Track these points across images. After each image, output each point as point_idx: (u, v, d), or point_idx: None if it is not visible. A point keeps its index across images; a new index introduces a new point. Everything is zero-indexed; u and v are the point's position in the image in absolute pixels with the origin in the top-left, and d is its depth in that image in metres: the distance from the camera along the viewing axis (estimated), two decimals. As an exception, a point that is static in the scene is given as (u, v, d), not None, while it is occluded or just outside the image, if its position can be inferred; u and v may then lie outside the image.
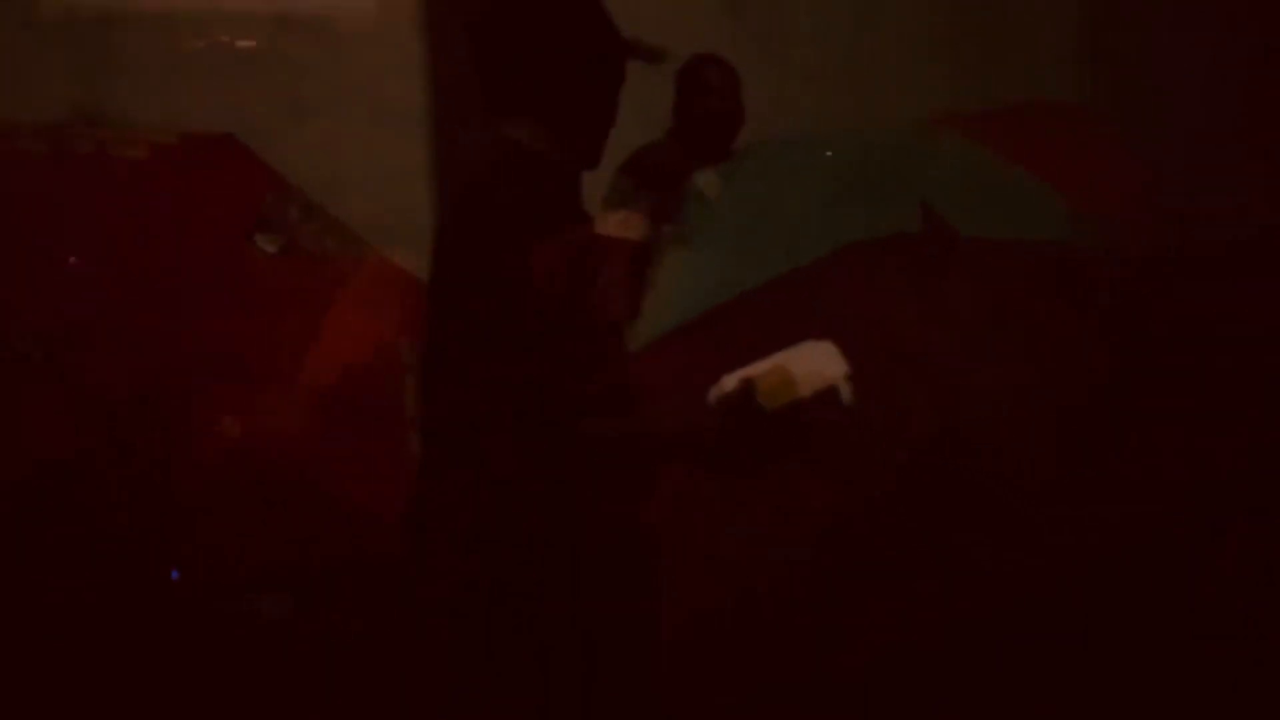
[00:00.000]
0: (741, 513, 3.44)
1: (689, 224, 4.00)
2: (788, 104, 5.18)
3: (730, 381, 2.74)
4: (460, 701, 2.99)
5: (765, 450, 2.75)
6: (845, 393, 2.73)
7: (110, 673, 3.68)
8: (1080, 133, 5.05)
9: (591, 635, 2.94)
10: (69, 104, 4.42)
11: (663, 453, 2.91)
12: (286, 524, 3.80)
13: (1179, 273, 3.78)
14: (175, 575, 3.78)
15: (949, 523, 3.32)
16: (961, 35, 5.43)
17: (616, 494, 2.91)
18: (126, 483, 3.74)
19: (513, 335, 2.79)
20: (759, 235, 4.16)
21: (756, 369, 2.74)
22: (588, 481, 2.85)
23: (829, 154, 4.61)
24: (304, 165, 4.46)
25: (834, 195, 4.29)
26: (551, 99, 2.80)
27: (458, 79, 4.76)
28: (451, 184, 4.53)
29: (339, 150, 4.78)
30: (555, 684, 2.93)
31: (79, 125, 4.29)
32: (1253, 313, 3.55)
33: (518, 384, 2.81)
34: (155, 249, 3.93)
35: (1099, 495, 3.32)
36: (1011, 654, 3.23)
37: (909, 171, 4.32)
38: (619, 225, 3.90)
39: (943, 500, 3.34)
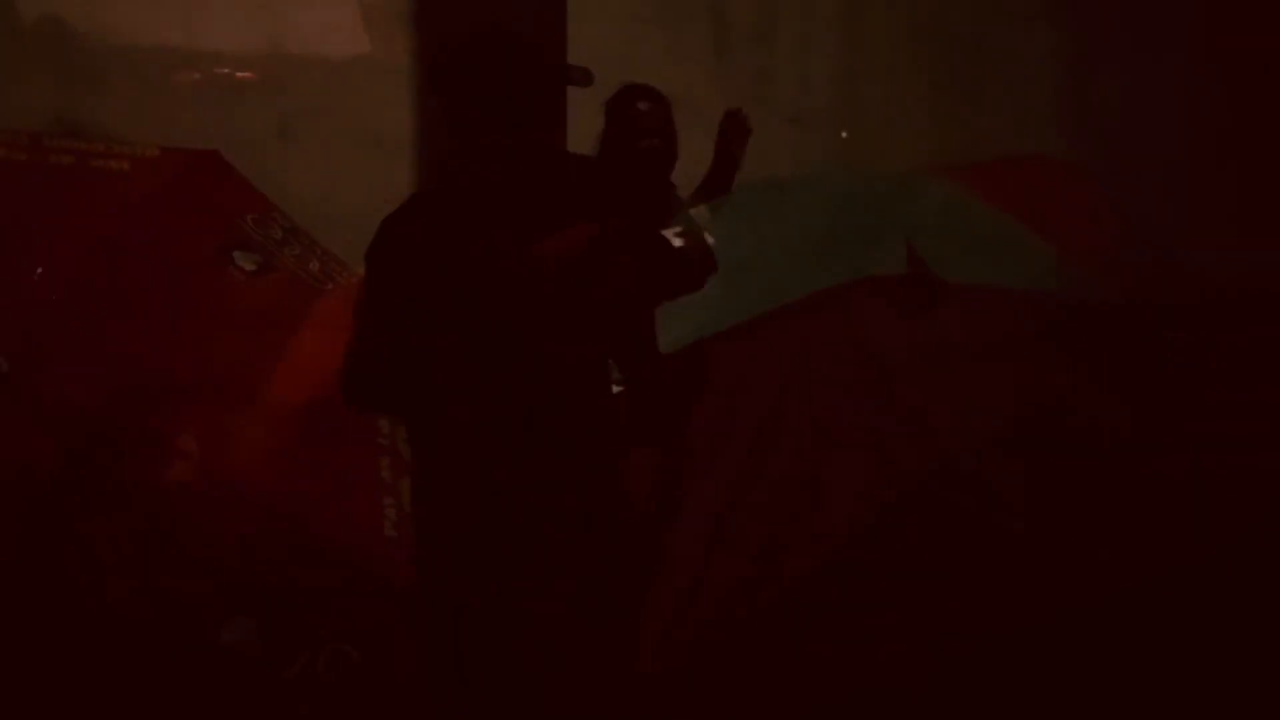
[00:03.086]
0: (722, 548, 3.23)
1: None
2: (773, 146, 5.00)
3: None
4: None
5: None
6: None
7: (66, 696, 3.36)
8: (1061, 185, 4.96)
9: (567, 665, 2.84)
10: (51, 115, 4.18)
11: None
12: (251, 548, 3.49)
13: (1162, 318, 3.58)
14: None
15: (939, 556, 3.16)
16: (945, 81, 5.32)
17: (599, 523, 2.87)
18: (86, 501, 3.43)
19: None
20: (744, 274, 4.07)
21: None
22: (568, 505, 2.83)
23: (815, 196, 4.51)
24: (290, 189, 4.22)
25: (820, 237, 4.25)
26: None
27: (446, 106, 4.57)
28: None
29: (326, 175, 4.57)
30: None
31: (60, 136, 4.00)
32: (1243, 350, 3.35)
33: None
34: (129, 262, 3.68)
35: (1090, 518, 3.18)
36: (1009, 677, 3.11)
37: (895, 215, 4.26)
38: None
39: (932, 534, 3.18)
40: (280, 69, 4.48)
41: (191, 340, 3.66)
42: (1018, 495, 3.15)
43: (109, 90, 4.22)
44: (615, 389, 3.40)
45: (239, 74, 4.41)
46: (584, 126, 4.14)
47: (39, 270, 3.60)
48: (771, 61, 5.22)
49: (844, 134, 4.91)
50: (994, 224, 4.41)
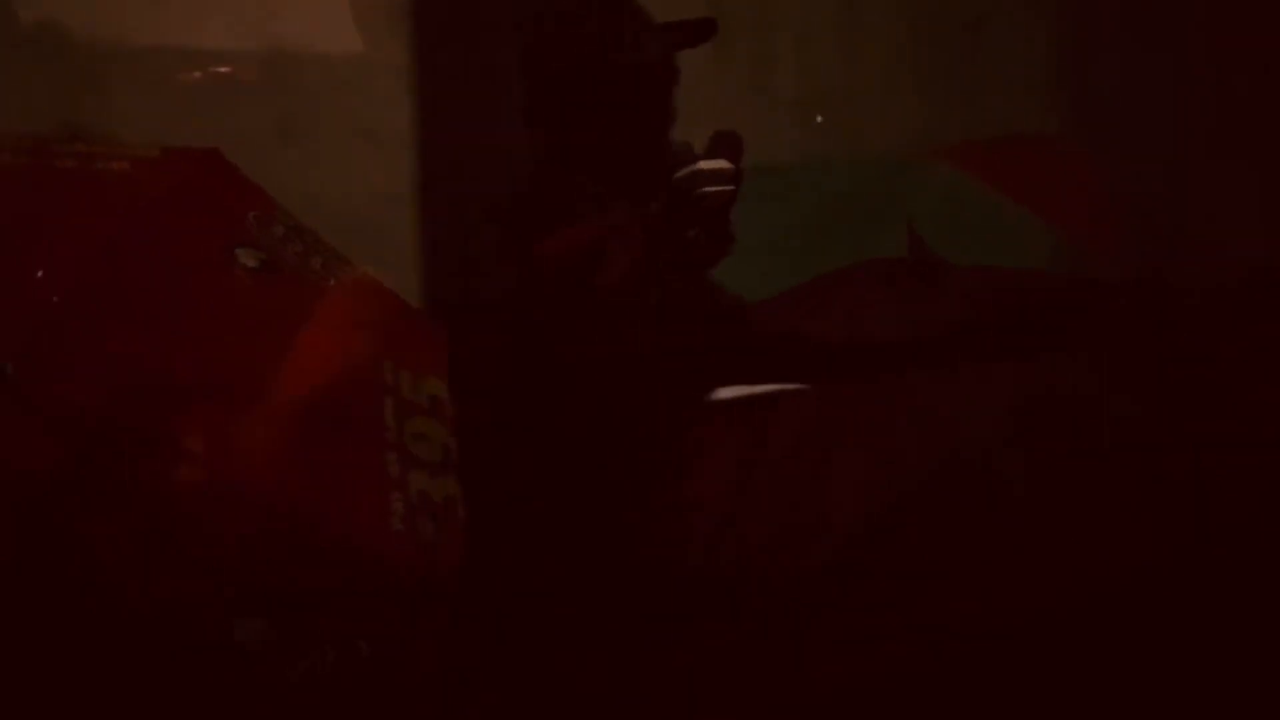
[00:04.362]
0: (723, 547, 3.18)
1: None
2: (773, 133, 4.96)
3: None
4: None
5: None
6: None
7: (67, 697, 3.33)
8: (1057, 164, 4.91)
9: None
10: (52, 119, 4.13)
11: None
12: (256, 546, 3.45)
13: (1164, 302, 3.52)
14: None
15: (940, 556, 3.11)
16: (941, 66, 5.28)
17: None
18: (91, 502, 3.38)
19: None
20: (742, 261, 4.01)
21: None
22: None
23: (815, 181, 4.49)
24: (290, 188, 4.17)
25: (819, 222, 4.19)
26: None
27: (443, 104, 4.54)
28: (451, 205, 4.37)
29: (326, 174, 4.52)
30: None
31: (61, 140, 3.96)
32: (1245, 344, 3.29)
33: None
34: (131, 263, 3.63)
35: (1094, 517, 3.12)
36: (1009, 677, 3.06)
37: (895, 198, 4.20)
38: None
39: (933, 534, 3.12)
40: (280, 69, 4.44)
41: (194, 339, 3.61)
42: (1018, 495, 3.09)
43: (109, 92, 4.18)
44: None
45: (239, 74, 4.36)
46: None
47: (39, 273, 3.56)
48: (771, 50, 5.18)
49: (819, 118, 4.88)
50: (993, 204, 4.38)
